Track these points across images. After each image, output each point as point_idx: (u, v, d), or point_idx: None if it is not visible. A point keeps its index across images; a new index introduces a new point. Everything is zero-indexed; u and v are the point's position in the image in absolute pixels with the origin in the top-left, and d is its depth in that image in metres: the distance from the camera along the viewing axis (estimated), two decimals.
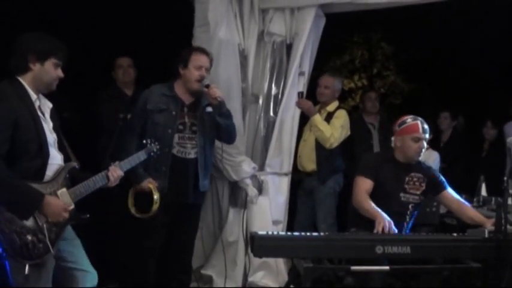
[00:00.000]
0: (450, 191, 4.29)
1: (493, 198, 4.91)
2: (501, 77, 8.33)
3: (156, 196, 4.20)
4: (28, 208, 3.11)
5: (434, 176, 4.32)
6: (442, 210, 5.12)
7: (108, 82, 5.38)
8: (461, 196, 5.37)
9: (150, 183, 4.25)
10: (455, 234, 3.91)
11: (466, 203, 4.26)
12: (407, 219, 4.23)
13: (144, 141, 3.88)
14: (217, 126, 4.48)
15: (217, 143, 4.86)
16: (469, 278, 3.71)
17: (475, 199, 5.24)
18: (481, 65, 8.78)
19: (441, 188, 4.29)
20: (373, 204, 4.05)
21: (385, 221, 3.86)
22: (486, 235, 3.71)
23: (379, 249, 3.57)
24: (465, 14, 7.28)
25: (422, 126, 4.22)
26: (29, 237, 3.10)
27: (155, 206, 4.19)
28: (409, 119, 4.29)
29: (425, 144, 4.22)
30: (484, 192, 5.22)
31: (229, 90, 4.96)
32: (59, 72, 3.29)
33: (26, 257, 3.09)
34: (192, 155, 4.43)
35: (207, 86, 4.39)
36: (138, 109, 4.43)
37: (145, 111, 4.38)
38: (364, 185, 4.16)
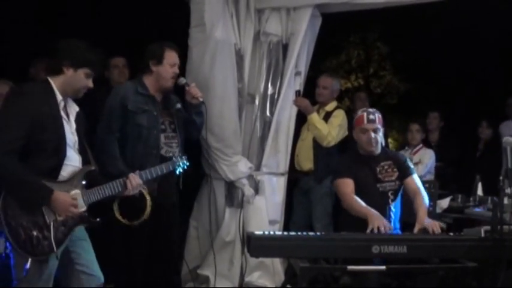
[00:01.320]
0: (415, 177, 4.29)
1: (489, 198, 4.94)
2: (497, 77, 8.35)
3: (148, 200, 3.99)
4: (36, 202, 3.15)
5: (402, 161, 4.34)
6: (438, 210, 5.13)
7: (101, 81, 5.35)
8: (457, 196, 5.41)
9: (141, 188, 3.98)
10: (451, 234, 3.92)
11: (424, 194, 4.19)
12: (392, 208, 4.25)
13: (171, 155, 3.85)
14: (192, 123, 4.43)
15: (212, 142, 4.86)
16: (465, 277, 3.71)
17: (471, 198, 5.26)
18: (477, 65, 8.80)
19: (407, 173, 4.30)
20: (363, 204, 4.07)
21: (378, 220, 3.87)
22: (482, 234, 3.72)
23: (375, 249, 3.57)
24: (461, 14, 7.29)
25: (367, 117, 4.25)
26: (34, 233, 3.14)
27: (148, 210, 3.99)
28: (359, 112, 4.37)
29: (373, 134, 4.22)
30: (480, 191, 5.24)
31: (225, 90, 4.96)
32: (89, 83, 3.39)
33: (29, 251, 3.13)
34: (177, 154, 4.28)
35: (187, 85, 4.35)
36: (116, 109, 4.19)
37: (125, 112, 4.18)
38: (346, 186, 4.20)
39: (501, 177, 3.63)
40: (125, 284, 4.34)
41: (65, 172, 3.27)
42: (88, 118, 5.15)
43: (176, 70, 4.32)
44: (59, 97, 3.29)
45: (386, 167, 4.29)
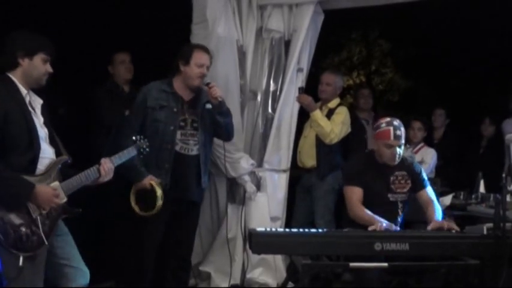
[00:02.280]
0: (428, 190, 4.29)
1: (492, 195, 4.92)
2: (499, 73, 8.33)
3: (159, 192, 4.15)
4: (19, 199, 3.14)
5: (417, 173, 4.31)
6: (441, 207, 5.12)
7: (103, 77, 5.34)
8: (459, 193, 5.39)
9: (151, 180, 4.21)
10: (453, 231, 3.91)
11: (437, 206, 4.22)
12: (399, 214, 4.25)
13: (134, 138, 3.84)
14: (216, 124, 4.48)
15: (219, 141, 4.87)
16: (467, 275, 3.70)
17: (473, 196, 5.25)
18: (479, 62, 8.78)
19: (421, 187, 4.29)
20: (369, 212, 4.07)
21: (382, 225, 3.88)
22: (484, 232, 3.71)
23: (377, 246, 3.57)
24: (463, 10, 7.27)
25: (394, 133, 4.16)
26: (23, 229, 3.12)
27: (159, 203, 4.14)
28: (383, 124, 4.25)
29: (398, 150, 4.17)
30: (482, 189, 5.22)
31: (227, 87, 4.96)
32: (48, 67, 3.34)
33: (20, 249, 3.11)
34: (195, 152, 4.42)
35: (208, 85, 4.40)
36: (137, 106, 4.40)
37: (145, 109, 4.35)
38: (354, 194, 4.18)
39: (504, 175, 3.62)
40: (133, 279, 4.38)
41: (42, 165, 3.26)
42: (91, 114, 5.19)
43: (203, 71, 4.40)
44: (24, 91, 3.27)
45: (400, 178, 4.25)
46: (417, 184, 4.28)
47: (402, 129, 4.23)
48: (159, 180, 4.23)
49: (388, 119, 4.30)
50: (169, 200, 4.29)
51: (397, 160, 4.22)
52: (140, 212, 4.26)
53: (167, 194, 4.26)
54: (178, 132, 4.35)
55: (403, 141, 4.22)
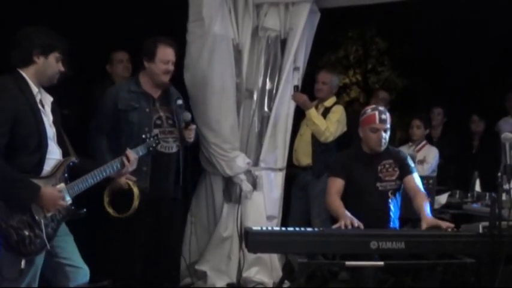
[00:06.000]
0: (415, 176, 4.26)
1: (487, 194, 4.93)
2: (496, 72, 8.34)
3: (136, 192, 3.97)
4: (24, 201, 3.10)
5: (402, 159, 4.30)
6: (436, 205, 5.13)
7: (101, 76, 5.33)
8: (455, 191, 5.40)
9: (128, 179, 3.98)
10: (449, 230, 3.91)
11: (423, 193, 4.19)
12: (391, 207, 4.24)
13: (144, 136, 3.81)
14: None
15: (210, 138, 4.86)
16: (463, 273, 3.71)
17: (469, 194, 5.25)
18: (475, 60, 8.79)
19: (407, 172, 4.26)
20: (339, 205, 4.07)
21: (348, 218, 3.87)
22: (480, 230, 3.72)
23: (373, 245, 3.57)
24: (459, 9, 7.29)
25: (379, 116, 4.19)
26: (26, 233, 3.09)
27: (135, 203, 3.98)
28: (368, 110, 4.30)
29: (384, 134, 4.19)
30: (478, 188, 5.23)
31: (223, 86, 4.95)
32: (60, 66, 3.31)
33: (22, 252, 3.08)
34: (174, 149, 4.33)
35: (187, 125, 4.32)
36: (107, 109, 4.26)
37: (116, 111, 4.22)
38: (334, 185, 4.20)
39: (499, 173, 3.62)
40: (124, 279, 4.34)
41: (48, 166, 3.23)
42: (89, 112, 5.18)
43: (169, 67, 4.28)
44: (35, 89, 3.23)
45: (387, 166, 4.26)
46: (404, 170, 4.26)
47: (388, 114, 4.26)
48: (135, 179, 4.02)
49: (373, 105, 4.37)
50: (151, 201, 4.18)
51: (383, 145, 4.23)
52: (115, 214, 4.06)
53: (148, 196, 4.14)
54: (156, 131, 4.19)
55: (388, 125, 4.23)
